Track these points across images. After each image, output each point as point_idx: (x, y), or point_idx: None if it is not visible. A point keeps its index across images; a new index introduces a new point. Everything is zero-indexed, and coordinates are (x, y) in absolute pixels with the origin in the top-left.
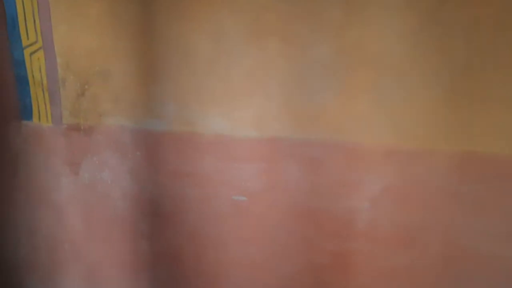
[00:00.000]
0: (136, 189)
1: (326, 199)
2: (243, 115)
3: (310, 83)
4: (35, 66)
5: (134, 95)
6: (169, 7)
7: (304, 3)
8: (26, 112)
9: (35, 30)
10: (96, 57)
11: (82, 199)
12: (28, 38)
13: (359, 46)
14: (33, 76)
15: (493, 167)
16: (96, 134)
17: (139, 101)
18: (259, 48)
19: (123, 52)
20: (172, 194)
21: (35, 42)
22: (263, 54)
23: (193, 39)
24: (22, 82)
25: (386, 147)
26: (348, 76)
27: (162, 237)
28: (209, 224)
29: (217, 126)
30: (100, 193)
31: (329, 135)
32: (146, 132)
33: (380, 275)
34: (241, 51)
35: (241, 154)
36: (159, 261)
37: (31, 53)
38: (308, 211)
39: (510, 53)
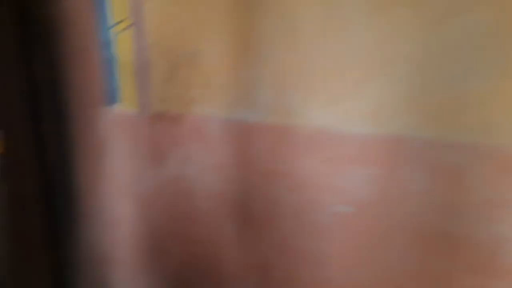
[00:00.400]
0: (223, 188)
1: (464, 221)
2: (356, 106)
3: (452, 66)
4: (123, 47)
5: (226, 80)
6: None
7: None
8: (112, 96)
9: (124, 7)
10: (188, 36)
11: (165, 194)
12: (116, 16)
13: None
14: (120, 58)
15: None
16: (183, 123)
17: (232, 87)
18: (382, 21)
19: (217, 30)
20: (264, 197)
21: (124, 20)
22: (388, 28)
23: (300, 9)
24: (109, 64)
25: None
26: (510, 57)
27: (250, 245)
28: (306, 236)
29: (321, 119)
30: (185, 190)
31: (476, 135)
32: (238, 123)
33: None
34: (359, 24)
35: (350, 154)
36: (245, 273)
37: (119, 32)
38: (436, 234)
39: None
